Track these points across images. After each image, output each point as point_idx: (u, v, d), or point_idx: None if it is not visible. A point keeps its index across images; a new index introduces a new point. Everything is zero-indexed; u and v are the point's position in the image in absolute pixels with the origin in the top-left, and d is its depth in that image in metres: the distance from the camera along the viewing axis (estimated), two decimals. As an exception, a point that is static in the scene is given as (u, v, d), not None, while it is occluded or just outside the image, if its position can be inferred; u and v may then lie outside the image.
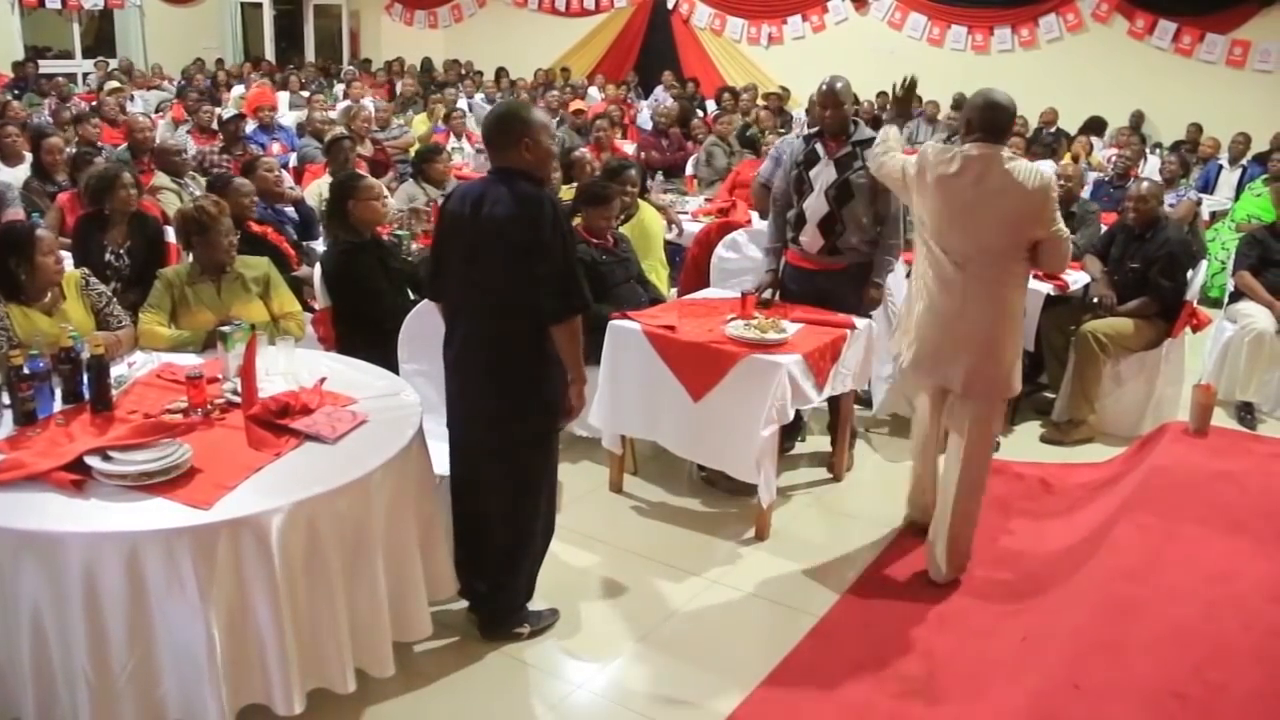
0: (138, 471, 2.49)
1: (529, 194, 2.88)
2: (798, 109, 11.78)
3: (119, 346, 3.43)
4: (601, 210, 4.65)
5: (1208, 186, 9.10)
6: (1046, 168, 5.08)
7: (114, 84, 10.92)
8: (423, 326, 3.62)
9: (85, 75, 13.53)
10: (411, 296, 4.25)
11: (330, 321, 4.19)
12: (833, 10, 13.80)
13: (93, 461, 2.52)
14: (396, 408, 3.02)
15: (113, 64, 13.09)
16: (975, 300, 3.45)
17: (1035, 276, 4.47)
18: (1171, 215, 6.23)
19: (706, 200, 7.38)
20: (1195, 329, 5.13)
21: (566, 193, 5.64)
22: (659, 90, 13.66)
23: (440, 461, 3.20)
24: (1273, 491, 4.33)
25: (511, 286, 2.90)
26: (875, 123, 5.00)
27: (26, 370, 2.82)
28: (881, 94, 11.78)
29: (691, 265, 5.89)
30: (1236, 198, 8.42)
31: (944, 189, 3.43)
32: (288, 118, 10.26)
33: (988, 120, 3.43)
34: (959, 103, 11.02)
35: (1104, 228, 5.75)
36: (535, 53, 15.50)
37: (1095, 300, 5.18)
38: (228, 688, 2.36)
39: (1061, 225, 3.45)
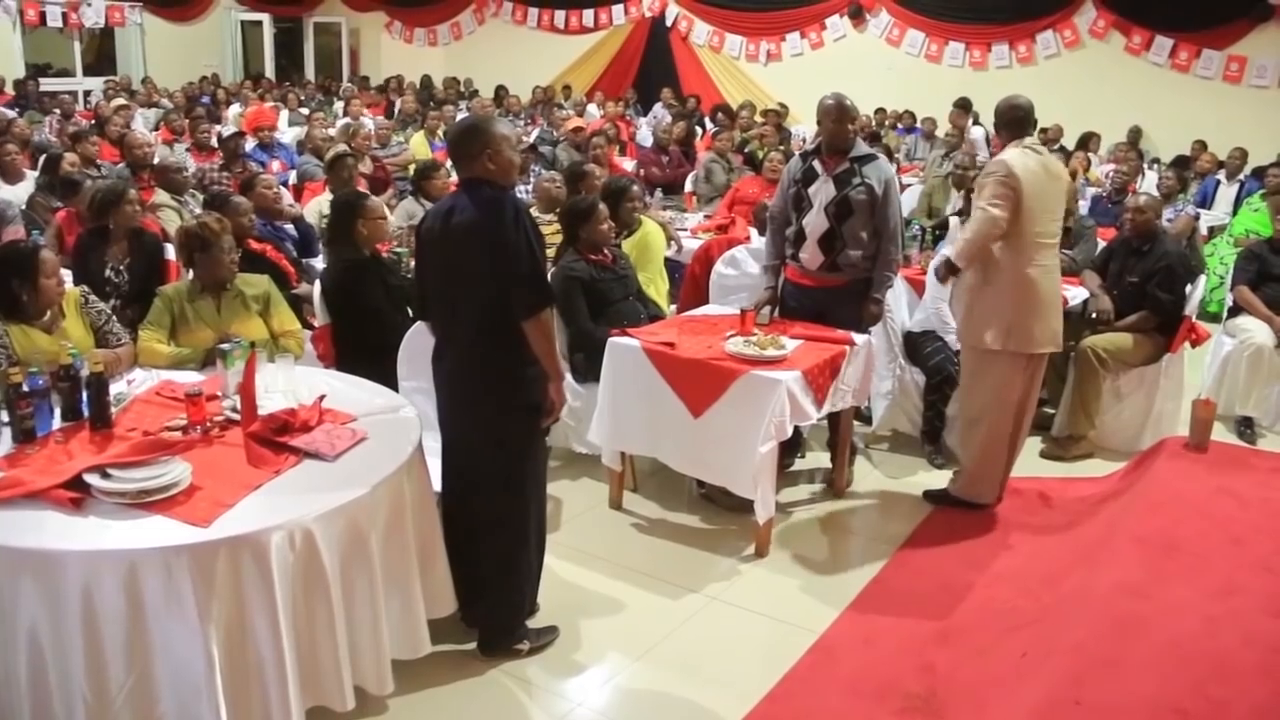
0: (136, 489, 2.49)
1: (490, 198, 2.96)
2: (797, 125, 11.80)
3: (118, 364, 3.43)
4: (591, 224, 4.62)
5: (1205, 202, 9.11)
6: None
7: (120, 100, 10.95)
8: (421, 344, 3.61)
9: (87, 93, 13.57)
10: (410, 314, 4.25)
11: (330, 339, 4.20)
12: (831, 27, 13.85)
13: (91, 479, 2.52)
14: (395, 425, 3.03)
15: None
16: (1055, 269, 4.15)
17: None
18: (1169, 230, 6.24)
19: (705, 217, 7.40)
20: (1194, 344, 5.12)
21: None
22: (658, 107, 13.69)
23: (439, 478, 3.21)
24: (1273, 506, 4.32)
25: (484, 290, 2.96)
26: (873, 138, 5.00)
27: (26, 388, 2.82)
28: (880, 111, 11.81)
29: (691, 282, 5.89)
30: (1234, 213, 8.43)
31: (1028, 187, 3.99)
32: (287, 135, 10.28)
33: (1007, 119, 4.18)
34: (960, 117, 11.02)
35: (1101, 243, 5.76)
36: (534, 70, 15.54)
37: (1094, 315, 5.18)
38: (226, 706, 2.34)
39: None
